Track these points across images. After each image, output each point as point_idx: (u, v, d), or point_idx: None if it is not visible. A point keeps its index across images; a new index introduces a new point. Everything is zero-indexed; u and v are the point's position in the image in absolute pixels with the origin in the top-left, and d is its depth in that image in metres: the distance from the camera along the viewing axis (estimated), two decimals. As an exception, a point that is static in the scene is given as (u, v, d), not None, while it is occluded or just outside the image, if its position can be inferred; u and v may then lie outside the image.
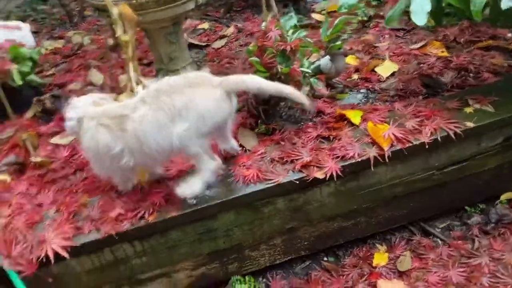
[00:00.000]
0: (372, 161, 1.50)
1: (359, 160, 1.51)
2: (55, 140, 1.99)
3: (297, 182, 1.48)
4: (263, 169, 1.53)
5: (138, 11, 1.74)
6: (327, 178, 1.48)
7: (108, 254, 1.50)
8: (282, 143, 1.64)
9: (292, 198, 1.55)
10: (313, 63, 1.81)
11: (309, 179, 1.48)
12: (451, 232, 1.78)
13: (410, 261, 1.67)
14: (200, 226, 1.52)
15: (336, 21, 1.75)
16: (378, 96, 1.86)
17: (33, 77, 2.41)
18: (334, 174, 1.48)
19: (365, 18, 2.56)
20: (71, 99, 1.49)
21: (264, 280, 1.73)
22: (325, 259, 1.78)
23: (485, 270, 1.59)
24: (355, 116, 1.67)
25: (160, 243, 1.52)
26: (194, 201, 1.46)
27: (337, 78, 1.95)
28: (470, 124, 1.55)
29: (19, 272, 1.38)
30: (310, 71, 1.68)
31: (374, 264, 1.70)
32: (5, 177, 1.81)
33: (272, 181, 1.48)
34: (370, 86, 1.94)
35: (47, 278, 1.43)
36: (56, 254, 1.39)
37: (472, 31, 2.24)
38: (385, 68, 2.05)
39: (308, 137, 1.64)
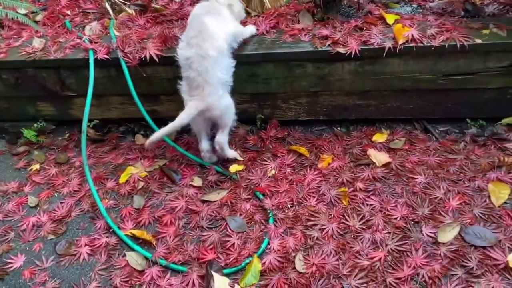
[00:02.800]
0: (386, 50, 1.91)
1: (377, 47, 1.93)
2: (171, -4, 2.66)
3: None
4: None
5: None
6: (346, 55, 1.94)
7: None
8: (327, 26, 2.11)
9: (319, 67, 2.03)
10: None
11: (333, 51, 1.95)
12: (447, 135, 2.15)
13: (401, 144, 2.10)
14: (248, 70, 2.09)
15: None
16: (423, 12, 2.19)
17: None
18: (353, 52, 1.93)
19: None
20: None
21: (288, 129, 2.29)
22: (338, 128, 2.27)
23: (457, 163, 1.97)
24: (391, 18, 2.05)
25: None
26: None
27: (396, -10, 2.30)
28: (478, 41, 1.86)
29: (127, 63, 2.10)
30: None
31: (373, 139, 2.16)
32: (132, 11, 2.53)
33: (305, 48, 1.99)
34: (422, 3, 2.26)
35: (143, 74, 2.14)
36: (151, 58, 2.09)
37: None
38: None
39: (348, 26, 2.08)
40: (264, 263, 1.64)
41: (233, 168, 2.07)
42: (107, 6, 2.53)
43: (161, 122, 2.02)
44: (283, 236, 1.75)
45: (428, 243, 1.65)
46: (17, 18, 2.43)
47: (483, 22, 1.97)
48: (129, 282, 1.65)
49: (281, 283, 1.57)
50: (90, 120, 2.35)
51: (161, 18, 2.46)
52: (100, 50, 2.14)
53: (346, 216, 1.79)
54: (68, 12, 2.66)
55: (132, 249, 1.76)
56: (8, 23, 2.59)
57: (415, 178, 1.92)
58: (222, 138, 1.99)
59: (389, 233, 1.70)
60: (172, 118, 1.86)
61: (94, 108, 2.28)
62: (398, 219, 1.75)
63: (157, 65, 2.11)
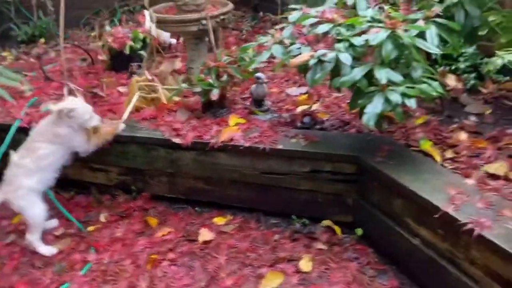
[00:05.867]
0: (210, 145, 2.31)
1: (205, 141, 2.33)
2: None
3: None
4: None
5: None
6: (184, 145, 2.36)
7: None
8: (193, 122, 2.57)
9: (169, 152, 2.47)
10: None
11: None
12: (275, 227, 2.38)
13: (231, 229, 2.38)
14: (120, 147, 2.59)
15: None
16: (277, 119, 2.55)
17: (140, 51, 3.84)
18: (187, 143, 2.36)
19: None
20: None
21: (155, 203, 2.68)
22: (196, 208, 2.59)
23: (260, 251, 2.20)
24: (233, 121, 2.46)
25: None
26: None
27: (266, 100, 2.70)
28: (280, 146, 2.19)
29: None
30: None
31: (213, 221, 2.46)
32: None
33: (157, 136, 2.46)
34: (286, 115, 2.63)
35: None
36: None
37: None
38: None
39: (205, 122, 2.53)
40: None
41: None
42: (65, 91, 3.25)
43: (69, 183, 2.50)
44: (83, 283, 2.10)
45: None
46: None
47: (295, 132, 2.30)
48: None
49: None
50: None
51: (99, 100, 3.10)
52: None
53: (140, 278, 2.11)
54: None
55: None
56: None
57: (217, 258, 2.19)
58: (28, 236, 2.31)
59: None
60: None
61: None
62: (175, 287, 2.04)
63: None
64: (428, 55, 2.34)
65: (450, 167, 1.95)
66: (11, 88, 3.31)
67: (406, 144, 2.17)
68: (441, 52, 1.91)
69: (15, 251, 2.35)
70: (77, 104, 2.36)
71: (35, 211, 2.28)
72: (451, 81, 2.65)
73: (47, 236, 2.41)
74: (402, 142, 2.19)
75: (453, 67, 2.72)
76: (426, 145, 2.09)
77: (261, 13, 4.74)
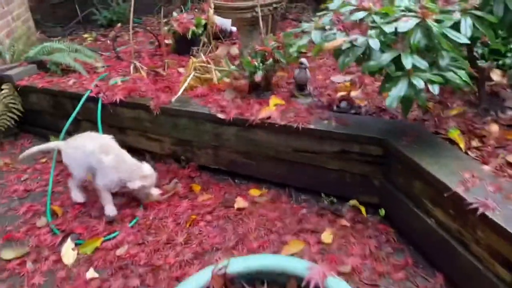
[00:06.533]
0: (249, 122, 2.51)
1: (245, 118, 2.54)
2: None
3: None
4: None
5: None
6: (226, 121, 2.59)
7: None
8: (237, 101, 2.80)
9: (215, 126, 2.71)
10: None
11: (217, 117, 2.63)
12: (304, 203, 2.55)
13: (264, 200, 2.59)
14: (172, 120, 2.87)
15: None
16: (316, 102, 2.70)
17: (201, 36, 4.13)
18: (230, 119, 2.58)
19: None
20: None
21: (201, 172, 2.95)
22: (236, 180, 2.83)
23: (286, 221, 2.38)
24: (273, 102, 2.65)
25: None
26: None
27: (308, 84, 2.85)
28: (311, 126, 2.34)
29: (103, 102, 3.09)
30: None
31: (249, 193, 2.68)
32: (144, 73, 3.57)
33: (204, 111, 2.71)
34: (325, 100, 2.77)
35: (110, 110, 3.10)
36: (120, 101, 3.04)
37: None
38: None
39: (248, 101, 2.73)
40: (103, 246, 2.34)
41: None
42: (132, 68, 3.62)
43: (128, 149, 2.84)
44: (130, 233, 2.41)
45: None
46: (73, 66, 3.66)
47: (329, 115, 2.44)
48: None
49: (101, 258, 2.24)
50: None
51: (160, 79, 3.43)
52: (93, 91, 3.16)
53: (178, 232, 2.37)
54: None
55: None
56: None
57: (247, 223, 2.40)
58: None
59: (195, 252, 2.24)
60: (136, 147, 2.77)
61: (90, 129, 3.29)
62: (208, 244, 2.28)
63: (124, 107, 3.05)
64: (470, 49, 2.39)
65: (473, 155, 2.01)
66: (87, 64, 3.76)
67: (435, 132, 2.23)
68: (468, 42, 1.95)
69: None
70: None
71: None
72: (495, 75, 2.63)
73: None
74: (432, 130, 2.26)
75: (500, 62, 2.71)
76: (454, 134, 2.15)
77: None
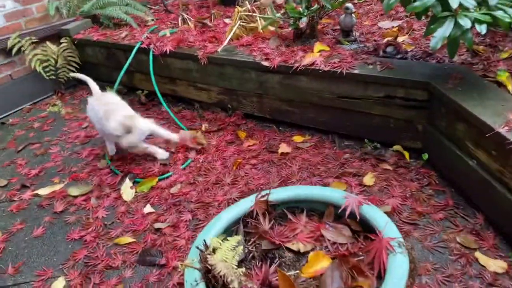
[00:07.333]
0: (293, 68, 2.56)
1: (289, 65, 2.58)
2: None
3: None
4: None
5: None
6: (271, 68, 2.64)
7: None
8: (283, 49, 2.84)
9: (259, 74, 2.78)
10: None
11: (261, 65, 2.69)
12: (347, 148, 2.61)
13: (307, 146, 2.67)
14: (218, 69, 2.97)
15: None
16: (362, 48, 2.69)
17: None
18: (274, 66, 2.63)
19: None
20: None
21: (246, 120, 3.05)
22: (280, 128, 2.93)
23: (329, 165, 2.46)
24: (318, 48, 2.66)
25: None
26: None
27: (354, 30, 2.83)
28: (356, 71, 2.35)
29: (153, 53, 3.22)
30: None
31: (292, 139, 2.77)
32: (192, 25, 3.66)
33: (250, 59, 2.77)
34: (371, 45, 2.75)
35: (161, 61, 3.23)
36: (170, 52, 3.16)
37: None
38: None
39: (291, 49, 2.77)
40: (158, 185, 2.53)
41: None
42: (180, 20, 3.72)
43: (178, 99, 2.98)
44: (182, 174, 2.59)
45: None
46: (126, 19, 3.81)
47: (374, 60, 2.43)
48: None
49: (156, 196, 2.44)
50: (142, 90, 3.56)
51: (207, 29, 3.51)
52: (144, 43, 3.30)
53: (225, 174, 2.52)
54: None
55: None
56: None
57: (291, 166, 2.50)
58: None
59: (241, 191, 2.38)
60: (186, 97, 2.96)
61: (145, 82, 3.47)
62: (253, 184, 2.41)
63: (173, 57, 3.17)
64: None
65: (521, 97, 1.97)
66: (138, 18, 3.89)
67: (483, 75, 2.19)
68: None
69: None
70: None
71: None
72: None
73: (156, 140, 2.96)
74: (480, 73, 2.21)
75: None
76: (503, 76, 2.11)
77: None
